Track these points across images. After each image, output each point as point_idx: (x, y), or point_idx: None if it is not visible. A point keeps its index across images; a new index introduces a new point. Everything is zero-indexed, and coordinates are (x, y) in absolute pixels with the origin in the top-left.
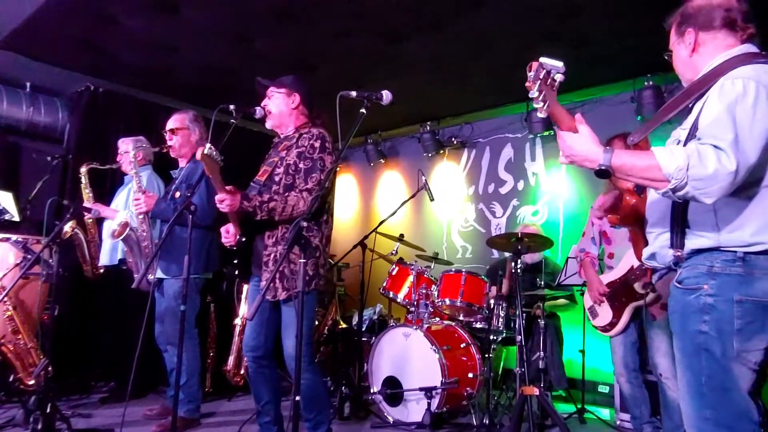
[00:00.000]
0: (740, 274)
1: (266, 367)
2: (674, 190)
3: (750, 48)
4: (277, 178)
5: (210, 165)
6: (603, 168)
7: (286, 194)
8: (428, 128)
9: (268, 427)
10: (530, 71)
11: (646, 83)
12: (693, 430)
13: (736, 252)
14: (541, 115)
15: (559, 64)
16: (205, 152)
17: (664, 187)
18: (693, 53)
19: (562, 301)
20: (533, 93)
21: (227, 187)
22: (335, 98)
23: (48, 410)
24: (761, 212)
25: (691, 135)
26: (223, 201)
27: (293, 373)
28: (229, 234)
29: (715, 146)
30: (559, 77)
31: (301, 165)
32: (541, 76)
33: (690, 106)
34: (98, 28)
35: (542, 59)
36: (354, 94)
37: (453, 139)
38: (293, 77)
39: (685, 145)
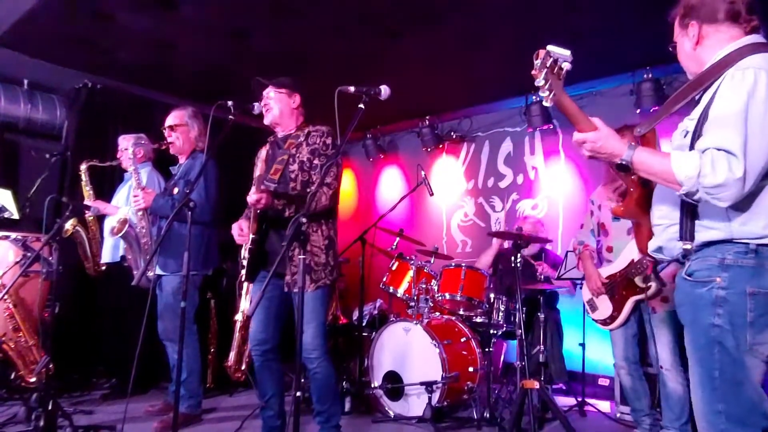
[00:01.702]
0: (753, 267)
1: (272, 361)
2: (687, 195)
3: (757, 38)
4: (292, 175)
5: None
6: (624, 163)
7: (309, 190)
8: (427, 123)
9: (271, 421)
10: (537, 59)
11: (645, 76)
12: (704, 423)
13: (748, 244)
14: (546, 104)
15: (567, 52)
16: None
17: (679, 189)
18: (697, 46)
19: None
20: (539, 81)
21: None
22: (333, 93)
23: (50, 407)
24: None
25: (700, 125)
26: (261, 200)
27: (308, 363)
28: (243, 232)
29: (727, 152)
30: (566, 66)
31: (316, 161)
32: (547, 65)
33: (697, 97)
34: (95, 25)
35: (549, 47)
36: (352, 89)
37: (452, 133)
38: (291, 78)
39: (693, 136)
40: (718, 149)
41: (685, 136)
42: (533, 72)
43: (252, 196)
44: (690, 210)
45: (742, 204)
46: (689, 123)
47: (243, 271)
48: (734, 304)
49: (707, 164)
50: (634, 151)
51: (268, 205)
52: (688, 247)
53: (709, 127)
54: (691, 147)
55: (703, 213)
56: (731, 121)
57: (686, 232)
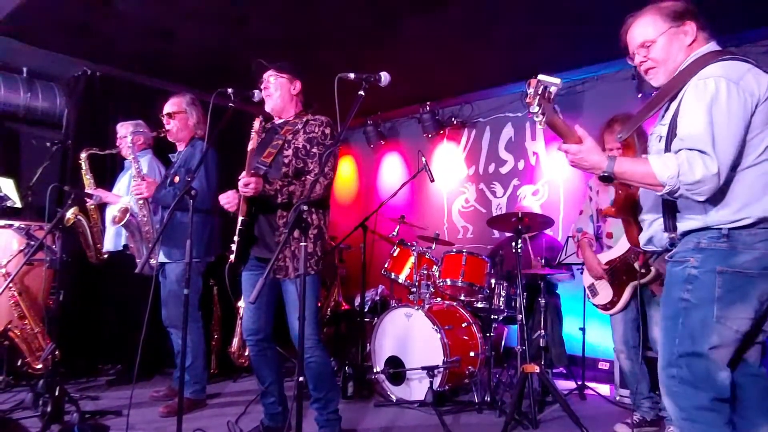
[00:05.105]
0: (725, 249)
1: (268, 349)
2: (669, 193)
3: (715, 46)
4: (286, 161)
5: (255, 141)
6: (606, 174)
7: (304, 178)
8: (428, 108)
9: (272, 407)
10: (530, 88)
11: None
12: (662, 388)
13: (720, 229)
14: (540, 126)
15: (557, 80)
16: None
17: (661, 190)
18: (694, 43)
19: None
20: (533, 108)
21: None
22: (333, 79)
23: (56, 393)
24: (741, 192)
25: (671, 131)
26: (249, 184)
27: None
28: (230, 199)
29: (701, 152)
30: (554, 89)
31: (314, 150)
32: (539, 92)
33: (667, 104)
34: (93, 12)
35: (540, 76)
36: (352, 76)
37: (453, 119)
38: (292, 64)
39: (667, 140)
40: (691, 149)
41: (659, 141)
42: (527, 100)
43: (242, 180)
44: (670, 207)
45: (715, 196)
46: (662, 128)
47: (231, 256)
48: (703, 281)
49: (684, 163)
50: (614, 162)
51: (259, 190)
52: (673, 236)
53: (681, 131)
54: (666, 150)
55: (683, 207)
56: (700, 125)
57: (669, 226)
